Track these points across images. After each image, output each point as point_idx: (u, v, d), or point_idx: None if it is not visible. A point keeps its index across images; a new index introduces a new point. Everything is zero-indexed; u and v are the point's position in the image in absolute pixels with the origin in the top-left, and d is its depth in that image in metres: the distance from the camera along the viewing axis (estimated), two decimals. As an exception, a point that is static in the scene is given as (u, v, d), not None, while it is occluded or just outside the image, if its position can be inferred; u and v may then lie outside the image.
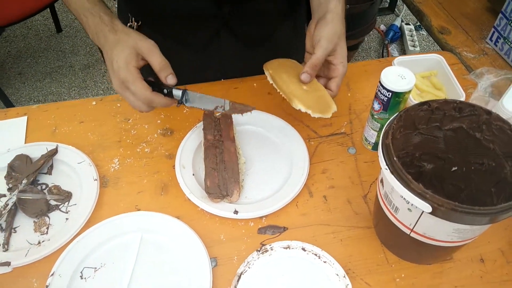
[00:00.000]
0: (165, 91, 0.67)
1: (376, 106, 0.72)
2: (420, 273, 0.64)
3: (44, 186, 0.76)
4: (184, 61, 0.73)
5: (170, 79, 0.65)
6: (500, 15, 0.95)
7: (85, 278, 0.64)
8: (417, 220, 0.54)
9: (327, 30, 0.68)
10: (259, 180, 0.76)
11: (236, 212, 0.69)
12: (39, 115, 0.88)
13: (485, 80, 0.81)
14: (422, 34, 2.55)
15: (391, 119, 0.58)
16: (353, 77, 0.94)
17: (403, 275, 0.64)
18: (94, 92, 2.28)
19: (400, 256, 0.65)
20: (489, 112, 0.57)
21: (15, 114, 0.88)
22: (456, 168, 0.65)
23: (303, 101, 0.67)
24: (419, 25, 2.58)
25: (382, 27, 2.58)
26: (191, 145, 0.79)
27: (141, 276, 0.64)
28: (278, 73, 0.72)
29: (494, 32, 0.98)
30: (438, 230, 0.54)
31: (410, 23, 2.55)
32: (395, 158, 0.52)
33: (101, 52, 0.82)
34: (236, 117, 0.80)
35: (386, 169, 0.53)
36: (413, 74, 0.69)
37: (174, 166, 0.77)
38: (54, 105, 0.90)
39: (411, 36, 2.45)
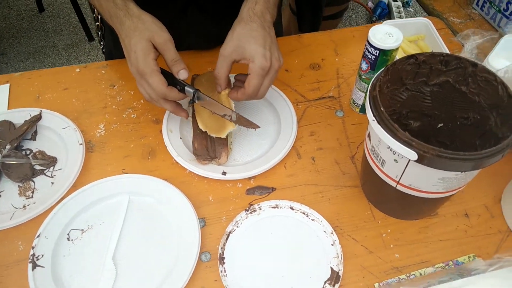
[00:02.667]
0: (178, 87, 0.67)
1: (364, 66, 0.72)
2: (406, 228, 0.65)
3: (28, 152, 0.74)
4: None
5: (181, 74, 0.65)
6: (487, -21, 0.95)
7: (72, 239, 0.64)
8: (403, 171, 0.54)
9: (227, 37, 0.66)
10: (248, 143, 0.75)
11: (224, 173, 0.69)
12: (22, 82, 0.86)
13: (471, 41, 0.81)
14: (410, 10, 2.55)
15: (378, 72, 0.58)
16: (341, 43, 0.93)
17: (389, 231, 0.65)
18: (79, 71, 2.24)
19: (387, 212, 0.66)
20: (475, 64, 0.57)
21: (-4, 82, 0.86)
22: (442, 124, 0.65)
23: (204, 121, 0.71)
24: (406, 1, 2.58)
25: (370, 4, 2.57)
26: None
27: (129, 238, 0.64)
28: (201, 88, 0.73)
29: (480, -3, 0.99)
30: (424, 180, 0.54)
31: (397, 0, 2.54)
32: (382, 109, 0.52)
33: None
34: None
35: (373, 120, 0.53)
36: (400, 32, 0.69)
37: (161, 130, 0.76)
38: (37, 72, 0.88)
39: (399, 12, 2.45)
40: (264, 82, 0.65)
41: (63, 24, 2.50)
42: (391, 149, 0.53)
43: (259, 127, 0.69)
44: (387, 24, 0.85)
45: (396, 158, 0.54)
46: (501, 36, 0.76)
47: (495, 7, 0.94)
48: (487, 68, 0.56)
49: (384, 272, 0.60)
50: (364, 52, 0.71)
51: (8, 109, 0.81)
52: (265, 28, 0.66)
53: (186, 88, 0.67)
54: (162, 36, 0.63)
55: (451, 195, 0.58)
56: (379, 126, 0.52)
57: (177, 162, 0.72)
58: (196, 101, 0.68)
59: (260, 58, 0.64)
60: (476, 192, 0.68)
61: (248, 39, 0.64)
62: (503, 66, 0.65)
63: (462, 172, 0.51)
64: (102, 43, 1.00)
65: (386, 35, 0.68)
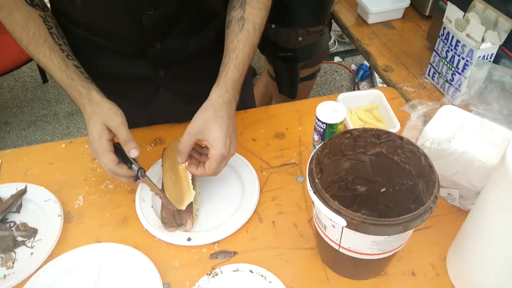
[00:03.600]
0: (128, 164, 0.75)
1: (316, 137, 0.80)
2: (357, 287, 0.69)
3: (12, 224, 0.81)
4: (129, 114, 0.78)
5: (132, 152, 0.73)
6: (434, 53, 1.06)
7: (46, 307, 0.69)
8: (341, 235, 0.60)
9: (196, 116, 0.75)
10: (213, 209, 0.82)
11: (189, 239, 0.75)
12: (12, 158, 0.94)
13: (418, 110, 0.90)
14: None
15: (317, 147, 0.65)
16: (305, 113, 1.02)
17: (341, 291, 0.69)
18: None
19: (338, 272, 0.71)
20: (401, 138, 0.65)
21: (-11, 158, 0.94)
22: (384, 189, 0.72)
23: (169, 192, 0.79)
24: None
25: (353, 66, 2.73)
26: (151, 178, 0.85)
27: (99, 303, 0.69)
28: (166, 159, 0.84)
29: (430, 68, 1.09)
30: (359, 243, 0.60)
31: (379, 62, 2.69)
32: (316, 180, 0.59)
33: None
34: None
35: (310, 190, 0.60)
36: (344, 108, 0.77)
37: (134, 199, 0.83)
38: (26, 149, 0.97)
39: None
40: (221, 165, 0.74)
41: (64, 93, 2.64)
42: (327, 215, 0.59)
43: (178, 208, 0.76)
44: (344, 98, 0.95)
45: (333, 224, 0.60)
46: (441, 105, 0.84)
47: (443, 77, 1.04)
48: (411, 141, 0.64)
49: (335, 332, 0.64)
50: (314, 125, 0.79)
51: (-3, 185, 0.88)
52: (230, 117, 0.75)
53: (133, 166, 0.75)
54: (115, 120, 0.73)
55: (392, 255, 0.64)
56: (315, 196, 0.59)
57: (147, 230, 0.78)
58: (140, 177, 0.75)
59: (221, 146, 0.72)
60: (423, 251, 0.73)
61: (214, 125, 0.73)
62: (436, 135, 0.73)
63: (389, 236, 0.57)
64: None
65: (332, 111, 0.77)
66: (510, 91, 0.75)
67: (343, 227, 0.58)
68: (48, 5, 0.82)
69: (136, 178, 0.76)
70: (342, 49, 2.89)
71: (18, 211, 0.83)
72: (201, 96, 0.88)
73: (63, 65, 0.76)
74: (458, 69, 0.97)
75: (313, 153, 0.65)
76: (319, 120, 0.77)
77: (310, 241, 0.76)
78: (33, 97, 2.63)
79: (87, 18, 0.81)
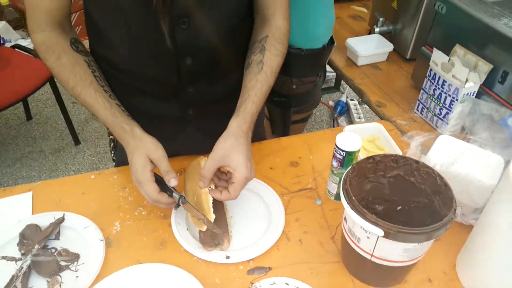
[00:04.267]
0: (168, 193, 0.83)
1: (335, 163, 0.90)
2: (383, 295, 0.78)
3: (53, 250, 0.85)
4: None
5: (172, 182, 0.81)
6: (422, 91, 1.21)
7: (99, 326, 0.73)
8: (375, 245, 0.70)
9: (218, 145, 0.83)
10: (245, 230, 0.89)
11: (228, 257, 0.82)
12: (43, 189, 0.98)
13: (415, 140, 1.03)
14: (365, 107, 2.90)
15: (347, 170, 0.76)
16: (313, 144, 1.13)
17: (370, 298, 0.78)
18: (65, 174, 2.35)
19: (365, 281, 0.80)
20: (417, 162, 0.76)
21: (19, 191, 0.98)
22: (400, 207, 0.82)
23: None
24: (361, 100, 2.93)
25: (331, 102, 2.92)
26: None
27: (150, 320, 0.74)
28: (187, 182, 0.92)
29: (419, 104, 1.24)
30: (391, 252, 0.69)
31: (354, 99, 2.90)
32: (353, 198, 0.69)
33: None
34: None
35: (347, 206, 0.70)
36: (359, 138, 0.89)
37: (169, 224, 0.89)
38: (56, 181, 1.01)
39: (356, 109, 2.78)
40: (243, 187, 0.82)
41: (50, 130, 2.66)
42: (363, 228, 0.69)
43: (221, 231, 0.84)
44: (349, 130, 1.06)
45: (368, 236, 0.70)
46: (437, 136, 0.98)
47: (431, 112, 1.19)
48: (426, 164, 0.75)
49: (369, 334, 0.72)
50: (334, 153, 0.90)
51: (32, 214, 0.92)
52: (248, 144, 0.85)
53: (173, 194, 0.82)
54: (157, 153, 0.81)
55: (415, 263, 0.73)
56: (352, 211, 0.69)
57: (186, 251, 0.84)
58: (181, 205, 0.83)
59: (244, 169, 0.81)
60: (436, 261, 0.83)
61: (236, 151, 0.82)
62: (439, 161, 0.85)
63: (418, 243, 0.67)
64: (112, 152, 1.15)
65: (349, 140, 0.88)
66: (497, 122, 0.90)
67: (378, 237, 0.68)
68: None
69: (178, 205, 0.83)
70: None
71: (57, 238, 0.87)
72: (221, 132, 0.97)
73: (108, 105, 0.85)
74: (446, 104, 1.12)
75: (344, 175, 0.75)
76: (339, 149, 0.88)
77: (335, 256, 0.85)
78: (17, 134, 2.62)
79: (129, 65, 0.89)
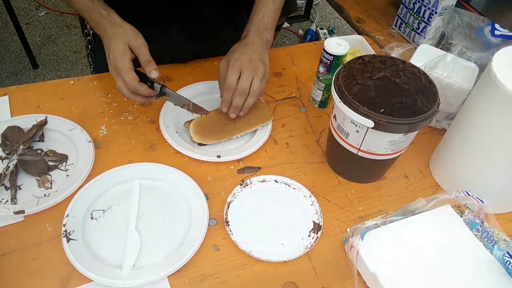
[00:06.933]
0: (148, 83, 0.80)
1: (321, 69, 0.92)
2: (364, 189, 0.84)
3: (40, 151, 0.83)
4: None
5: (153, 73, 0.78)
6: (401, 5, 1.22)
7: (95, 218, 0.74)
8: (363, 139, 0.74)
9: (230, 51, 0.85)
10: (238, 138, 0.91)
11: (219, 156, 0.84)
12: (19, 94, 0.94)
13: (396, 52, 1.06)
14: (334, 36, 2.90)
15: (339, 68, 0.77)
16: (296, 56, 1.14)
17: (352, 192, 0.83)
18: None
19: (349, 178, 0.85)
20: (404, 62, 0.79)
21: (-7, 94, 0.93)
22: (383, 109, 0.87)
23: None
24: (331, 29, 2.92)
25: (300, 31, 2.89)
26: (170, 109, 0.92)
27: (146, 212, 0.76)
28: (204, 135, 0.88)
29: (397, 19, 1.26)
30: (378, 144, 0.74)
31: (323, 28, 2.88)
32: (346, 92, 0.72)
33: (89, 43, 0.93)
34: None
35: (340, 101, 0.72)
36: (347, 43, 0.90)
37: (157, 128, 0.89)
38: (33, 86, 0.97)
39: (325, 38, 2.77)
40: (242, 77, 0.81)
41: (4, 53, 2.48)
42: (353, 122, 0.72)
43: (209, 112, 0.86)
44: (336, 38, 1.07)
45: (357, 129, 0.73)
46: (415, 47, 1.01)
47: (409, 26, 1.21)
48: (413, 64, 0.79)
49: (352, 220, 0.79)
50: (321, 58, 0.91)
51: (11, 117, 0.89)
52: (259, 47, 0.84)
53: (155, 84, 0.80)
54: (138, 41, 0.77)
55: (396, 157, 0.79)
56: (345, 106, 0.71)
57: (176, 152, 0.85)
58: (163, 96, 0.82)
59: (232, 61, 0.82)
60: (411, 160, 0.90)
61: (237, 50, 0.83)
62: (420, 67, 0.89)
63: (403, 134, 0.72)
64: (90, 57, 1.10)
65: (337, 45, 0.89)
66: (475, 28, 0.94)
67: (367, 130, 0.72)
68: None
69: (159, 95, 0.82)
70: (289, 15, 3.02)
71: (42, 140, 0.86)
72: (209, 38, 0.95)
73: None
74: (424, 18, 1.15)
75: (336, 73, 0.77)
76: (326, 53, 0.89)
77: (320, 157, 0.89)
78: (-33, 55, 2.43)
79: None
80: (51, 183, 0.79)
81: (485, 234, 0.73)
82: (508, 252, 0.67)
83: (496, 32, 0.97)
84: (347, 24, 1.39)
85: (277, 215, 0.78)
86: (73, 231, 0.71)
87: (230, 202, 0.79)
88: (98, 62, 1.07)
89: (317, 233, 0.75)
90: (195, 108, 0.85)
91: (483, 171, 0.76)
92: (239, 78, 0.82)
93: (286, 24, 2.93)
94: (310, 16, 3.04)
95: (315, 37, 2.81)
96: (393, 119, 0.68)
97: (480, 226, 0.74)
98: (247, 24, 0.87)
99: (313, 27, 2.85)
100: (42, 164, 0.80)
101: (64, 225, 0.71)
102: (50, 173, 0.80)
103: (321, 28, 2.87)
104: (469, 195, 0.72)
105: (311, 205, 0.80)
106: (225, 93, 0.83)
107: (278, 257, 0.71)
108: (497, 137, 0.71)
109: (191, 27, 1.00)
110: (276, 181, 0.83)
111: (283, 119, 0.96)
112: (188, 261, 0.69)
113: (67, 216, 0.72)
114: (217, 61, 1.08)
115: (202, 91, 0.99)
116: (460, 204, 0.76)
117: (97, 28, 0.80)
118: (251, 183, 0.82)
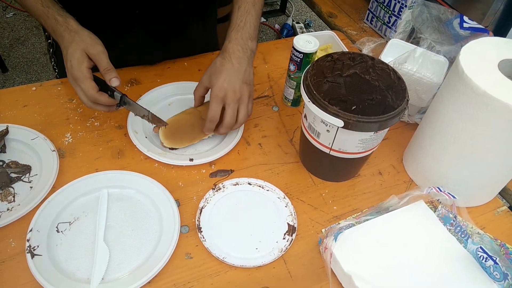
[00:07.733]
0: (109, 92, 0.77)
1: (292, 67, 0.91)
2: (338, 187, 0.83)
3: (1, 163, 0.80)
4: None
5: (113, 81, 0.74)
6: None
7: (61, 231, 0.71)
8: (334, 138, 0.73)
9: (209, 67, 0.81)
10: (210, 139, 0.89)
11: (191, 159, 0.82)
12: (-22, 103, 0.90)
13: (367, 47, 1.05)
14: (311, 31, 2.89)
15: (307, 67, 0.76)
16: (268, 53, 1.12)
17: (327, 191, 0.82)
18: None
19: (323, 177, 0.84)
20: (373, 58, 0.78)
21: (-50, 104, 0.89)
22: (355, 107, 0.86)
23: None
24: (307, 23, 2.91)
25: (277, 26, 2.87)
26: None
27: (115, 223, 0.73)
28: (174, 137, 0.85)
29: (369, 13, 1.25)
30: (349, 143, 0.73)
31: (300, 22, 2.87)
32: (315, 92, 0.70)
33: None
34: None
35: (309, 101, 0.71)
36: (317, 40, 0.89)
37: (125, 134, 0.86)
38: (-8, 93, 0.93)
39: (302, 33, 2.77)
40: (227, 110, 0.78)
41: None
42: (323, 122, 0.71)
43: (167, 124, 0.84)
44: (305, 35, 1.06)
45: (328, 129, 0.72)
46: (387, 42, 1.00)
47: (381, 20, 1.21)
48: (381, 60, 0.78)
49: (327, 221, 0.78)
50: (291, 56, 0.90)
51: (-30, 128, 0.85)
52: (239, 65, 0.79)
53: (115, 93, 0.78)
54: (96, 48, 0.74)
55: (368, 155, 0.78)
56: (314, 105, 0.70)
57: (146, 158, 0.83)
58: (123, 105, 0.80)
59: (216, 89, 0.78)
60: (385, 157, 0.89)
61: (217, 72, 0.79)
62: (390, 62, 0.88)
63: (374, 133, 0.71)
64: (53, 60, 1.06)
65: (306, 42, 0.88)
66: (444, 21, 0.93)
67: (337, 130, 0.71)
68: None
69: (119, 105, 0.79)
70: (265, 10, 3.00)
71: (3, 151, 0.82)
72: (174, 36, 0.91)
73: None
74: (395, 11, 1.14)
75: (304, 72, 0.75)
76: (296, 51, 0.87)
77: (293, 157, 0.88)
78: None
79: None
80: (13, 196, 0.75)
81: (458, 229, 0.73)
82: (481, 247, 0.67)
83: (465, 25, 0.97)
84: (320, 18, 1.39)
85: (251, 219, 0.76)
86: (38, 246, 0.68)
87: (202, 208, 0.77)
88: (62, 65, 1.03)
89: (291, 236, 0.74)
90: (154, 119, 0.83)
91: (454, 165, 0.76)
92: (223, 107, 0.79)
93: (262, 19, 2.91)
94: (286, 10, 3.03)
95: (292, 31, 2.79)
96: (363, 118, 0.67)
97: (453, 220, 0.74)
98: (228, 31, 0.83)
99: (290, 22, 2.84)
100: (4, 177, 0.76)
101: (28, 240, 0.68)
102: (13, 185, 0.77)
103: (298, 22, 2.86)
104: (440, 190, 0.72)
105: (285, 206, 0.78)
106: (208, 123, 0.80)
107: (252, 262, 0.70)
108: (467, 131, 0.70)
109: (156, 28, 0.97)
110: (249, 183, 0.82)
111: (255, 119, 0.95)
112: (160, 271, 0.67)
113: (31, 230, 0.69)
114: (186, 62, 1.05)
115: (171, 93, 0.96)
116: (433, 199, 0.76)
117: (55, 35, 0.77)
118: (223, 187, 0.80)
